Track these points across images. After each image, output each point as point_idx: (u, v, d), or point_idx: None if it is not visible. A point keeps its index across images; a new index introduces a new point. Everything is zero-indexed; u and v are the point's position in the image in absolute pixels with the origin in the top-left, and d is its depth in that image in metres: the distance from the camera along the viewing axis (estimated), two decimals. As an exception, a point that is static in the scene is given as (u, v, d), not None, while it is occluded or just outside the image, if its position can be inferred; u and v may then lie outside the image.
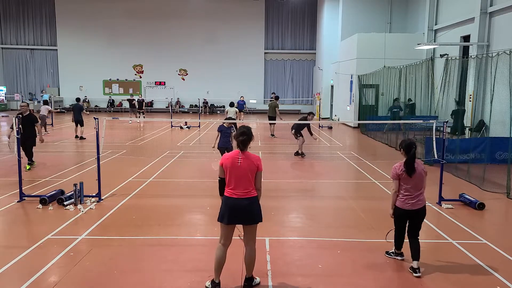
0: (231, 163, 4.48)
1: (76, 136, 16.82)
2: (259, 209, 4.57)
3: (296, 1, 31.99)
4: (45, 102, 19.49)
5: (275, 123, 17.23)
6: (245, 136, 4.50)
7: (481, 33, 15.74)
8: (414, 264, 5.03)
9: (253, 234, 4.61)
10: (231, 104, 17.17)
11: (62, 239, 6.05)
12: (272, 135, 17.95)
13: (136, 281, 4.86)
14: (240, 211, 4.45)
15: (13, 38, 33.22)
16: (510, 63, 9.14)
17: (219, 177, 4.66)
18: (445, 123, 8.29)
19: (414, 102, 17.95)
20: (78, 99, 18.83)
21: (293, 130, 12.97)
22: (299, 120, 13.55)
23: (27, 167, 10.60)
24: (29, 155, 10.74)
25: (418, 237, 5.19)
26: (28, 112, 10.58)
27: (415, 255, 5.09)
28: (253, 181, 4.51)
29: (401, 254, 5.46)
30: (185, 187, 9.45)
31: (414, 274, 4.98)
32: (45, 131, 17.76)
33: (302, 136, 12.95)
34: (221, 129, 10.05)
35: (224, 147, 9.97)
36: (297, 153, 13.08)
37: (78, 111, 16.98)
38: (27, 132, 10.03)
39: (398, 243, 5.39)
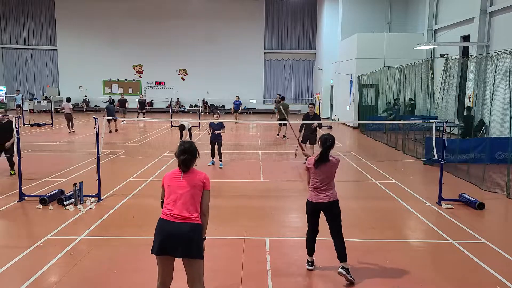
0: (170, 179, 3.72)
1: (110, 131, 18.58)
2: (201, 242, 3.66)
3: (296, 1, 31.97)
4: (68, 100, 19.27)
5: (286, 124, 17.11)
6: (186, 155, 3.70)
7: (481, 33, 15.74)
8: (343, 264, 4.78)
9: (196, 273, 3.67)
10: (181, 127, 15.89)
11: (62, 239, 6.05)
12: (284, 136, 17.75)
13: (136, 281, 4.86)
14: (177, 239, 3.54)
15: (13, 38, 33.19)
16: (510, 63, 9.14)
17: (161, 199, 3.84)
18: (445, 123, 8.29)
19: (414, 102, 17.97)
20: (112, 101, 20.33)
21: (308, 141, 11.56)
22: (303, 119, 11.88)
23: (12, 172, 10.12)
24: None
25: (342, 237, 4.94)
26: (6, 120, 10.04)
27: (341, 256, 4.82)
28: (198, 203, 3.68)
29: (310, 263, 5.14)
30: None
31: (347, 277, 4.70)
32: (71, 128, 18.75)
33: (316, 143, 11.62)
34: (212, 125, 11.25)
35: (215, 141, 11.24)
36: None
37: (111, 111, 18.58)
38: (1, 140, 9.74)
39: (309, 247, 5.14)
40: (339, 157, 4.91)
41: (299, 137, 11.03)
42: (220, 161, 11.38)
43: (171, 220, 3.58)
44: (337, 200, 4.99)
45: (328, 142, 4.89)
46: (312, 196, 4.96)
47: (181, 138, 14.43)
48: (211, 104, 33.20)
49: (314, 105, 11.97)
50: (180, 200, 3.61)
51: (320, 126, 12.22)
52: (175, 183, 3.68)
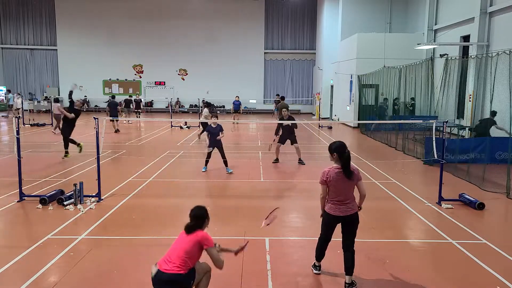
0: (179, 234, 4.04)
1: (117, 130, 19.00)
2: (184, 283, 3.87)
3: (296, 1, 31.98)
4: (56, 100, 19.06)
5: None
6: (194, 222, 3.98)
7: (481, 33, 15.75)
8: (347, 279, 4.67)
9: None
10: (207, 104, 18.35)
11: (62, 239, 6.06)
12: None
13: (136, 281, 4.86)
14: (159, 285, 3.86)
15: (13, 38, 33.23)
16: (510, 63, 9.14)
17: None
18: (445, 123, 8.29)
19: (415, 102, 17.96)
20: (113, 97, 20.84)
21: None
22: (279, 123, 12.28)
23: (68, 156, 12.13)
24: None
25: (353, 250, 4.74)
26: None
27: (348, 270, 4.69)
28: (190, 258, 3.87)
29: (317, 267, 5.08)
30: (184, 187, 9.45)
31: None
32: (54, 130, 18.75)
33: (296, 142, 12.08)
34: (209, 129, 10.61)
35: (212, 146, 10.59)
36: (300, 161, 12.07)
37: (114, 107, 19.40)
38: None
39: (318, 253, 5.03)
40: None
41: (274, 140, 12.33)
42: (226, 166, 10.77)
43: (160, 268, 3.85)
44: (357, 211, 4.76)
45: (346, 152, 4.60)
46: (333, 209, 4.71)
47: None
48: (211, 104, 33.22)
49: (287, 109, 12.73)
50: (172, 253, 3.91)
51: (295, 126, 12.15)
52: (178, 239, 4.01)
